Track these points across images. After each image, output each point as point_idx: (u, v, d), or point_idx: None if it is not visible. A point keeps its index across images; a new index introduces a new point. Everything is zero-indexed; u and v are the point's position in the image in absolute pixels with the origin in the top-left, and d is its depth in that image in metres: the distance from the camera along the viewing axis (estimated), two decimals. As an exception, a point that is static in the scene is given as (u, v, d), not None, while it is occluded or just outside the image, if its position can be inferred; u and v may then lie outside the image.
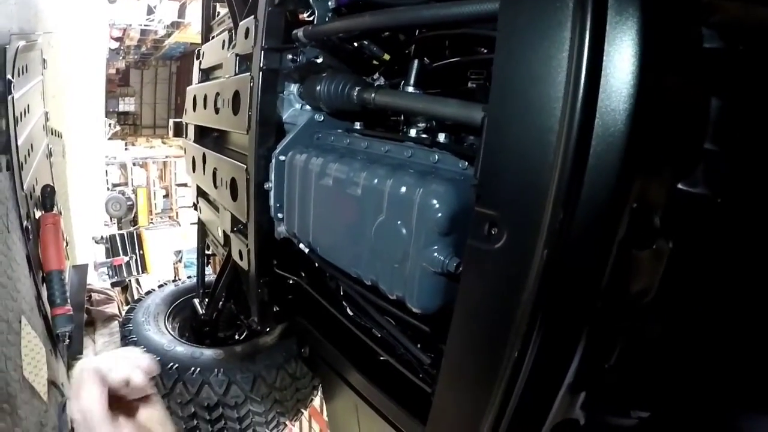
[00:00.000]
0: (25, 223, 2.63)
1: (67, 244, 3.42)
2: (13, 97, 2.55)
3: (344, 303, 1.77)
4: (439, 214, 1.08)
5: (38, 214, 3.10)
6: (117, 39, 21.67)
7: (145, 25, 20.78)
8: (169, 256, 14.94)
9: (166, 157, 20.50)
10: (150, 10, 19.64)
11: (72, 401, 1.07)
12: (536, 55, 0.79)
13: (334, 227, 1.48)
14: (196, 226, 3.60)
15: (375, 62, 1.78)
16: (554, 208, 0.77)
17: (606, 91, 0.74)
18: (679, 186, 0.87)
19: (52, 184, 3.40)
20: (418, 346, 1.39)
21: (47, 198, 3.21)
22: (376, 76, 1.77)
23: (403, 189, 1.17)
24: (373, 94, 1.46)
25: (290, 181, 1.68)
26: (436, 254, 1.11)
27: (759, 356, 0.97)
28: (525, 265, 0.82)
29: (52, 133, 4.14)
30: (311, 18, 1.77)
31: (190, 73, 23.68)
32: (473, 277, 0.94)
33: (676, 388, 1.05)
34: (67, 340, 3.04)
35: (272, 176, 1.73)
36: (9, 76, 2.54)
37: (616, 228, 0.81)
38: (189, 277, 4.10)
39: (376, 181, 1.26)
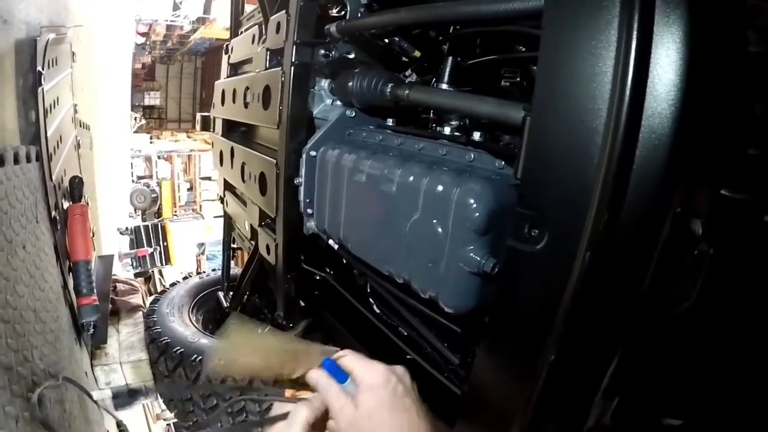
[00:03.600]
0: (53, 213, 2.67)
1: (93, 235, 3.46)
2: (43, 89, 2.58)
3: (371, 300, 1.76)
4: (477, 214, 1.06)
5: (66, 204, 3.13)
6: (143, 34, 21.93)
7: (170, 21, 20.99)
8: (192, 249, 15.07)
9: (191, 150, 20.69)
10: (176, 6, 19.84)
11: None
12: (582, 54, 0.77)
13: (366, 224, 1.47)
14: (219, 219, 3.62)
15: (404, 59, 1.77)
16: (598, 210, 0.75)
17: (653, 94, 0.73)
18: (722, 191, 0.85)
19: (80, 175, 3.44)
20: (445, 345, 1.38)
21: (75, 189, 3.25)
22: (408, 72, 1.76)
23: (440, 187, 1.15)
24: (406, 91, 1.44)
25: (321, 177, 1.68)
26: (472, 254, 1.09)
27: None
28: (566, 267, 0.80)
29: (80, 125, 4.19)
30: (341, 13, 1.77)
31: (215, 68, 23.90)
32: (512, 278, 0.93)
33: (711, 397, 1.03)
34: (92, 330, 3.07)
35: (303, 171, 1.73)
36: (39, 68, 2.57)
37: (659, 232, 0.80)
38: (213, 270, 4.13)
39: (411, 178, 1.24)
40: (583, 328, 0.84)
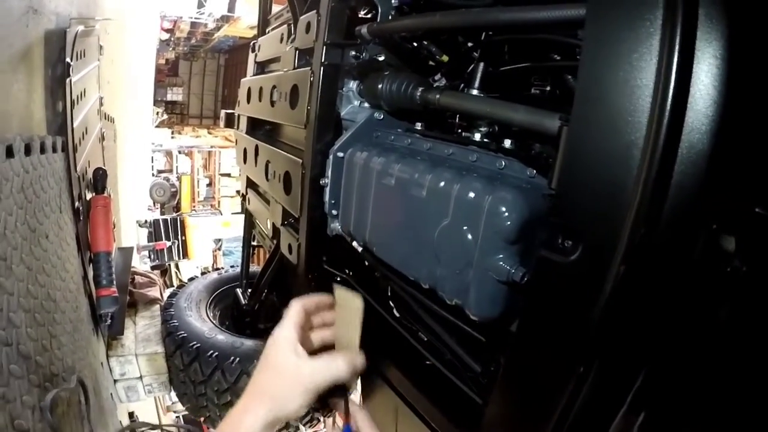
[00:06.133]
0: (76, 204, 2.70)
1: (114, 227, 3.49)
2: (71, 80, 2.61)
3: (391, 303, 1.76)
4: (508, 223, 1.05)
5: (89, 195, 3.16)
6: (167, 30, 22.20)
7: (195, 18, 21.18)
8: (209, 244, 15.15)
9: (211, 147, 20.85)
10: (200, 4, 20.03)
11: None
12: (623, 67, 0.76)
13: (393, 228, 1.47)
14: (237, 216, 3.65)
15: (431, 63, 1.76)
16: (635, 223, 0.75)
17: (693, 109, 0.72)
18: (757, 210, 0.84)
19: (104, 167, 3.47)
20: (466, 352, 1.37)
21: (99, 180, 3.29)
22: (437, 77, 1.76)
23: (471, 194, 1.14)
24: (437, 95, 1.43)
25: (348, 179, 1.67)
26: (501, 263, 1.08)
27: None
28: (600, 280, 0.79)
29: (105, 118, 4.23)
30: (369, 15, 1.77)
31: (238, 66, 24.12)
32: (542, 289, 0.92)
33: (739, 416, 1.01)
34: (109, 321, 3.10)
35: (329, 172, 1.73)
36: (68, 59, 2.60)
37: (694, 248, 0.79)
38: (232, 267, 4.15)
39: (442, 184, 1.23)
40: (613, 341, 0.83)
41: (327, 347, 1.32)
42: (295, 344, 1.17)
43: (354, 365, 1.19)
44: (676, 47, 0.71)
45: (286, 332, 1.19)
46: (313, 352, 1.25)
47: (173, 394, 3.62)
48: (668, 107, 0.71)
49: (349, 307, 1.29)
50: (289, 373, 1.13)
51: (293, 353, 1.15)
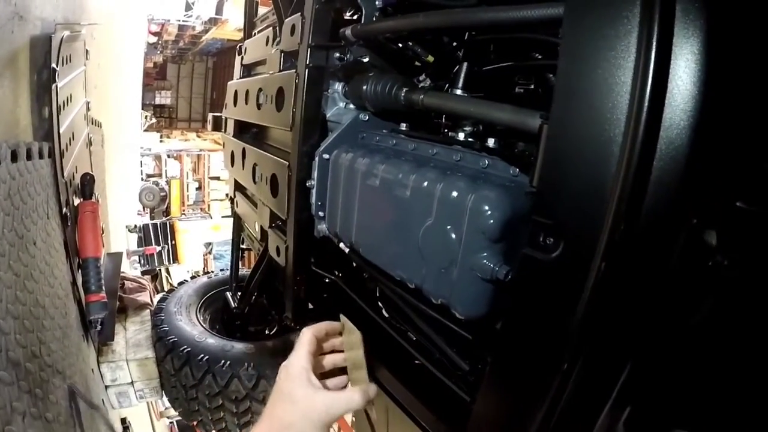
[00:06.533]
0: (64, 209, 2.68)
1: (103, 232, 3.47)
2: (56, 86, 2.59)
3: (380, 304, 1.76)
4: (491, 221, 1.06)
5: (77, 201, 3.15)
6: (155, 34, 22.12)
7: (183, 21, 21.11)
8: (200, 248, 15.11)
9: (201, 150, 20.80)
10: (188, 6, 19.96)
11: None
12: (601, 64, 0.77)
13: (378, 228, 1.47)
14: (227, 219, 3.64)
15: (417, 63, 1.77)
16: (615, 220, 0.75)
17: (671, 105, 0.72)
18: (738, 204, 0.84)
19: (91, 173, 3.46)
20: (455, 351, 1.38)
21: (86, 186, 3.27)
22: (422, 77, 1.76)
23: (455, 193, 1.14)
24: (421, 96, 1.44)
25: (334, 180, 1.68)
26: (485, 261, 1.09)
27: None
28: (581, 276, 0.80)
29: (92, 123, 4.21)
30: (354, 17, 1.77)
31: (226, 69, 24.06)
32: (526, 286, 0.93)
33: (721, 410, 1.02)
34: (99, 327, 3.09)
35: (315, 174, 1.73)
36: (53, 65, 2.59)
37: (675, 243, 0.79)
38: (222, 270, 4.14)
39: (425, 183, 1.24)
40: (596, 338, 0.84)
41: (336, 370, 1.35)
42: (309, 374, 1.19)
43: (368, 396, 1.21)
44: (654, 44, 0.71)
45: (300, 362, 1.21)
46: (325, 375, 1.28)
47: (165, 399, 3.61)
48: (646, 104, 0.72)
49: (352, 339, 1.32)
50: (305, 405, 1.15)
51: (308, 384, 1.17)
